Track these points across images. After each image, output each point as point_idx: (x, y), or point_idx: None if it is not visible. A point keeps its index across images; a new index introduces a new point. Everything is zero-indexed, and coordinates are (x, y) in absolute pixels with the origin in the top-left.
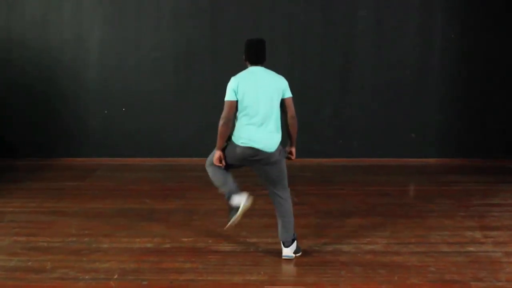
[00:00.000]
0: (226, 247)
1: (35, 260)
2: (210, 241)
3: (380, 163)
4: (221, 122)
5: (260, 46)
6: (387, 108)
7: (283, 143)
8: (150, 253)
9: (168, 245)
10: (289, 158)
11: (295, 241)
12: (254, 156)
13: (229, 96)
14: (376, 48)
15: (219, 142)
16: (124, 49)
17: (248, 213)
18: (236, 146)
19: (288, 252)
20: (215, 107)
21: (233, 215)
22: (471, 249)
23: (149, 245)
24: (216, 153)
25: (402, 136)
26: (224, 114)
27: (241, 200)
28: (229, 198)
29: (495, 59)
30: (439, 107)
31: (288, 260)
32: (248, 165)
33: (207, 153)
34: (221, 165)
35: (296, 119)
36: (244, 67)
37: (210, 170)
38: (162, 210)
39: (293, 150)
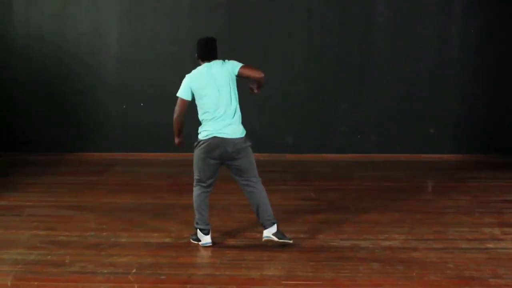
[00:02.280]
0: (243, 242)
1: (54, 254)
2: (227, 236)
3: (398, 159)
4: (174, 116)
5: (209, 43)
6: (405, 102)
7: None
8: (168, 248)
9: (185, 240)
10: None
11: (275, 224)
12: (220, 146)
13: (182, 94)
14: (393, 42)
15: (175, 131)
16: (141, 43)
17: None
18: (203, 143)
19: (266, 233)
20: None
21: (194, 238)
22: (490, 245)
23: (166, 239)
24: (175, 140)
25: (420, 131)
26: (176, 109)
27: (202, 240)
28: (196, 227)
29: None
30: (457, 102)
31: (306, 255)
32: (219, 160)
33: None
34: (180, 144)
35: (263, 75)
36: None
37: (194, 195)
38: (179, 205)
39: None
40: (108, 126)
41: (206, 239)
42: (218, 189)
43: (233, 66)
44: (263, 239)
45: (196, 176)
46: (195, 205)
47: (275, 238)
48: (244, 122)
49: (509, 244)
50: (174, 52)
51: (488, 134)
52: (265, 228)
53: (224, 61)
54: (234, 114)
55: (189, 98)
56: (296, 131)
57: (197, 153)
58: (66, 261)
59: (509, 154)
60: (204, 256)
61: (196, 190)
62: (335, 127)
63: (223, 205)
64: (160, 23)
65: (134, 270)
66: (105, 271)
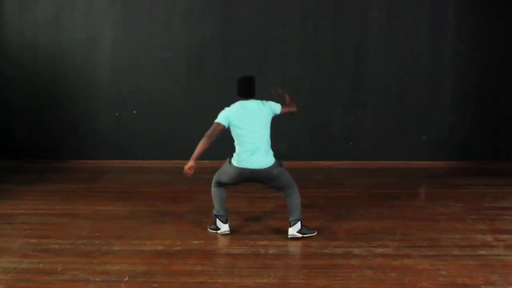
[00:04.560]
0: (236, 249)
1: (46, 262)
2: (220, 243)
3: (391, 166)
4: (205, 136)
5: (249, 83)
6: (397, 109)
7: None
8: (161, 256)
9: (178, 248)
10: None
11: (299, 221)
12: (252, 174)
13: (220, 119)
14: (387, 50)
15: (198, 152)
16: (135, 50)
17: (258, 215)
18: (234, 167)
19: (291, 231)
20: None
21: (213, 228)
22: (483, 252)
23: (159, 247)
24: (190, 162)
25: (413, 138)
26: (209, 131)
27: (221, 228)
28: (215, 216)
29: (508, 62)
30: (449, 109)
31: (298, 263)
32: (250, 181)
33: (218, 156)
34: (190, 173)
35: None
36: None
37: (213, 191)
38: (172, 213)
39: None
40: (102, 133)
41: (225, 227)
42: (210, 197)
43: (275, 108)
44: (288, 237)
45: (217, 179)
46: (217, 199)
47: (299, 235)
48: None
49: (502, 250)
50: (168, 59)
51: (480, 140)
52: (290, 227)
53: (263, 101)
54: (266, 146)
55: (226, 124)
56: (289, 138)
57: (228, 169)
58: (58, 269)
59: (502, 161)
60: (196, 264)
61: (215, 190)
62: (329, 134)
63: None
64: (154, 30)
65: (126, 278)
66: (98, 279)
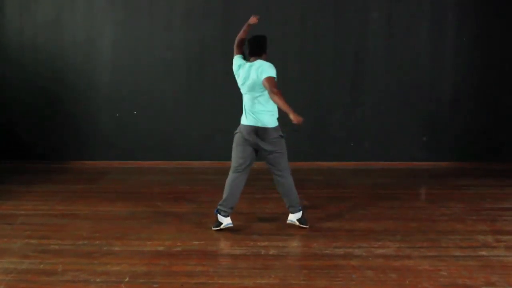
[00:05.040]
0: (237, 250)
1: (46, 262)
2: (221, 244)
3: (391, 166)
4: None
5: (252, 41)
6: (398, 110)
7: None
8: (161, 256)
9: (179, 248)
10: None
11: (301, 211)
12: (252, 132)
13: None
14: (387, 50)
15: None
16: (135, 50)
17: (258, 216)
18: (240, 126)
19: (292, 217)
20: (227, 109)
21: (216, 225)
22: (483, 253)
23: (160, 248)
24: (296, 116)
25: (414, 138)
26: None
27: (223, 221)
28: (218, 211)
29: (508, 62)
30: (450, 109)
31: (299, 263)
32: (253, 146)
33: (218, 156)
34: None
35: (276, 95)
36: None
37: (229, 176)
38: (173, 213)
39: (291, 117)
40: (103, 134)
41: (226, 221)
42: (211, 197)
43: (261, 72)
44: (287, 222)
45: (232, 161)
46: (227, 183)
47: (297, 223)
48: None
49: (502, 251)
50: (168, 59)
51: (481, 141)
52: (291, 213)
53: (262, 63)
54: (264, 107)
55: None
56: (291, 139)
57: (235, 135)
58: (59, 269)
59: (502, 161)
60: (197, 265)
61: (231, 173)
62: (329, 134)
63: None
64: (154, 31)
65: (127, 279)
66: (98, 279)
